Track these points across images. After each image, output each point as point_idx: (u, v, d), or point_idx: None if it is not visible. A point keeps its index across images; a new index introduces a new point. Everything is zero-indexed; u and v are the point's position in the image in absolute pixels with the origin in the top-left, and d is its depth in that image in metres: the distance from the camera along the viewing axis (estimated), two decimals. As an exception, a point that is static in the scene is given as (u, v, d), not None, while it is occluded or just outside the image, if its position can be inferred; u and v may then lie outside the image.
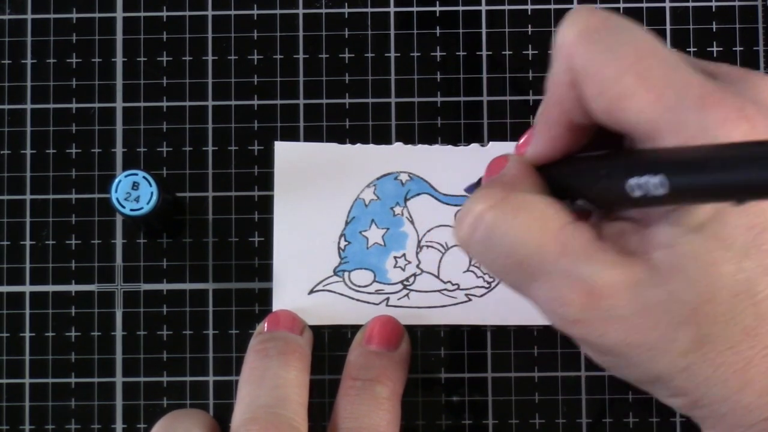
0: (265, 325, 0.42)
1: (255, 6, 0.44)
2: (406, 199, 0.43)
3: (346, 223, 0.43)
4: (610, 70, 0.31)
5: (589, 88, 0.32)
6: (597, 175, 0.32)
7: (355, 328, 0.43)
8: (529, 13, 0.44)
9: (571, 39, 0.32)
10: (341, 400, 0.40)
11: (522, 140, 0.37)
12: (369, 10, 0.44)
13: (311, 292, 0.43)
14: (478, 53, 0.44)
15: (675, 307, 0.30)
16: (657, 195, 0.29)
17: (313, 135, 0.43)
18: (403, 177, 0.43)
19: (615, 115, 0.31)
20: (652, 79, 0.31)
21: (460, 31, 0.44)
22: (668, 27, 0.44)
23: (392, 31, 0.44)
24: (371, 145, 0.43)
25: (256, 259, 0.43)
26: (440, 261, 0.43)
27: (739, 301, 0.30)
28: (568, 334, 0.33)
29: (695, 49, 0.44)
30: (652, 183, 0.29)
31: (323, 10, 0.44)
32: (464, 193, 0.43)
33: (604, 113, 0.32)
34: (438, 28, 0.44)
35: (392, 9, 0.44)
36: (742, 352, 0.30)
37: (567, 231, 0.32)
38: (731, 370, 0.30)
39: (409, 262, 0.43)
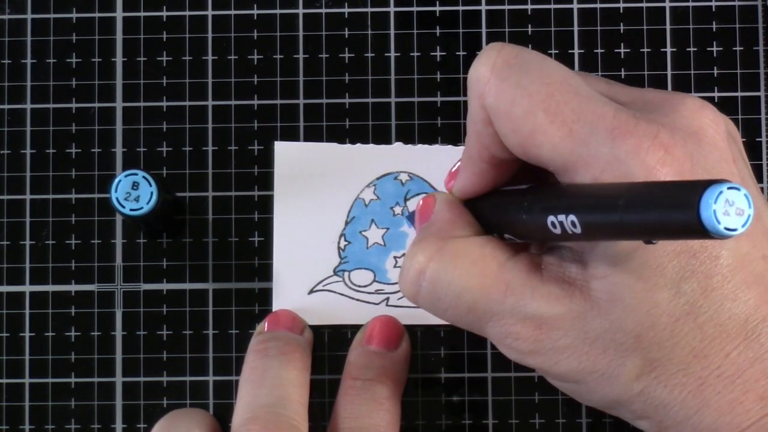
0: (266, 324, 0.42)
1: (255, 6, 0.44)
2: (406, 199, 0.43)
3: (346, 223, 0.43)
4: (521, 107, 0.31)
5: (502, 125, 0.32)
6: (519, 210, 0.33)
7: (355, 328, 0.42)
8: (529, 13, 0.44)
9: (483, 76, 0.32)
10: (341, 400, 0.40)
11: (448, 176, 0.38)
12: (369, 10, 0.44)
13: (311, 292, 0.43)
14: (477, 53, 0.44)
15: (618, 335, 0.31)
16: (575, 233, 0.29)
17: (313, 135, 0.43)
18: (403, 177, 0.43)
19: (529, 151, 0.32)
20: (563, 114, 0.31)
21: (460, 31, 0.44)
22: (668, 27, 0.44)
23: (392, 31, 0.44)
24: (371, 145, 0.43)
25: (256, 259, 0.43)
26: (440, 261, 0.43)
27: (681, 324, 0.30)
28: (526, 365, 0.33)
29: (695, 49, 0.44)
30: (568, 222, 0.29)
31: (323, 10, 0.44)
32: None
33: (519, 149, 0.32)
34: (438, 28, 0.44)
35: (392, 9, 0.44)
36: (694, 374, 0.31)
37: (507, 269, 0.33)
38: (686, 391, 0.31)
39: (409, 262, 0.43)
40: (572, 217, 0.29)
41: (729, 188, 0.24)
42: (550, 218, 0.30)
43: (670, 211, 0.25)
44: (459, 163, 0.37)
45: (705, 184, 0.25)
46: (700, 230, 0.25)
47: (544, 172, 0.33)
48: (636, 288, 0.30)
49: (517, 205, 0.33)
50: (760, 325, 0.30)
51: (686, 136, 0.31)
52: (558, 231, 0.30)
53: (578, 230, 0.29)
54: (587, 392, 0.33)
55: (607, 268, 0.31)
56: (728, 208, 0.24)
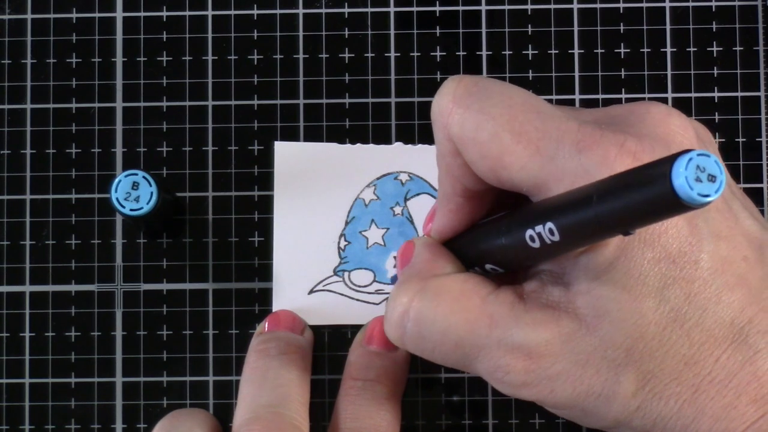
0: (266, 325, 0.42)
1: (255, 6, 0.44)
2: (406, 199, 0.43)
3: (346, 223, 0.43)
4: (486, 131, 0.32)
5: (470, 152, 0.32)
6: (497, 236, 0.33)
7: (355, 328, 0.43)
8: (529, 13, 0.44)
9: (445, 108, 0.33)
10: (342, 400, 0.40)
11: (426, 220, 0.38)
12: (369, 10, 0.44)
13: (311, 292, 0.43)
14: (478, 53, 0.44)
15: (610, 351, 0.31)
16: (554, 241, 0.29)
17: (313, 135, 0.43)
18: (403, 177, 0.43)
19: (499, 175, 0.32)
20: (528, 134, 0.31)
21: (460, 31, 0.44)
22: (668, 27, 0.44)
23: (392, 31, 0.44)
24: (371, 145, 0.43)
25: (256, 259, 0.43)
26: (440, 261, 0.43)
27: (669, 332, 0.30)
28: (521, 398, 0.33)
29: (695, 49, 0.44)
30: (545, 231, 0.29)
31: (323, 10, 0.44)
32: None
33: (489, 174, 0.32)
34: (438, 28, 0.44)
35: (392, 9, 0.44)
36: (687, 381, 0.31)
37: (490, 302, 0.33)
38: (681, 400, 0.31)
39: (409, 262, 0.43)
40: (549, 225, 0.29)
41: (699, 155, 0.25)
42: (528, 232, 0.30)
43: (643, 189, 0.26)
44: (435, 206, 0.37)
45: (675, 155, 0.25)
46: (674, 202, 0.25)
47: (519, 202, 0.33)
48: (621, 299, 0.30)
49: (494, 231, 0.33)
50: (747, 326, 0.30)
51: (654, 143, 0.31)
52: (537, 244, 0.30)
53: (556, 237, 0.29)
54: (586, 416, 0.33)
55: (589, 283, 0.31)
56: (700, 174, 0.24)
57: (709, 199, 0.25)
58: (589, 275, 0.31)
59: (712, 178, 0.25)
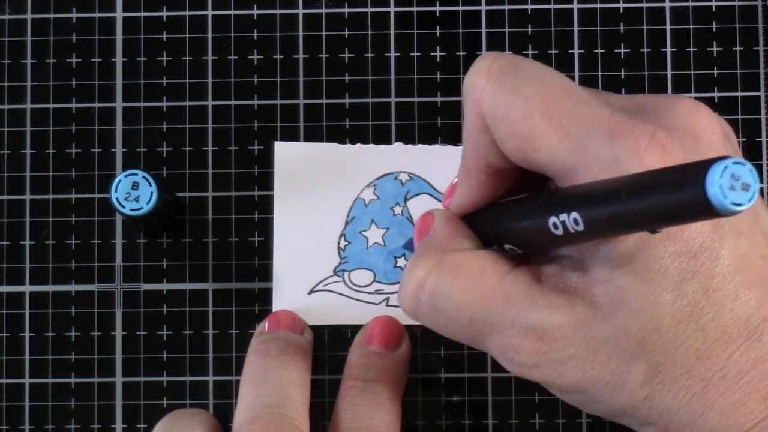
0: (266, 325, 0.42)
1: (255, 6, 0.44)
2: (406, 199, 0.43)
3: (346, 223, 0.43)
4: (518, 111, 0.31)
5: (500, 130, 0.32)
6: (519, 217, 0.32)
7: (355, 328, 0.42)
8: (529, 13, 0.44)
9: (479, 85, 0.32)
10: (342, 401, 0.40)
11: (446, 194, 0.38)
12: (369, 10, 0.44)
13: (311, 292, 0.43)
14: (478, 53, 0.44)
15: (623, 340, 0.31)
16: (578, 231, 0.29)
17: (313, 135, 0.43)
18: (403, 177, 0.43)
19: (527, 155, 0.32)
20: (560, 117, 0.31)
21: (460, 31, 0.44)
22: (668, 27, 0.44)
23: (392, 31, 0.44)
24: (371, 145, 0.43)
25: (256, 259, 0.43)
26: (440, 261, 0.43)
27: (684, 326, 0.30)
28: (530, 379, 0.33)
29: (695, 49, 0.44)
30: (570, 220, 0.29)
31: (323, 10, 0.44)
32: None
33: (517, 154, 0.32)
34: (438, 28, 0.44)
35: (392, 9, 0.44)
36: (698, 376, 0.31)
37: (507, 281, 0.33)
38: (690, 394, 0.31)
39: (409, 262, 0.43)
40: (574, 215, 0.29)
41: (734, 163, 0.24)
42: (552, 219, 0.30)
43: (676, 191, 0.25)
44: (455, 180, 0.36)
45: (710, 161, 0.24)
46: (707, 208, 0.24)
47: (542, 183, 0.33)
48: (639, 291, 0.30)
49: (517, 212, 0.33)
50: (761, 325, 0.30)
51: (683, 136, 0.31)
52: (560, 231, 0.30)
53: (581, 227, 0.29)
54: (592, 402, 0.33)
55: (609, 272, 0.31)
56: (734, 182, 0.24)
57: (741, 208, 0.24)
58: (609, 264, 0.30)
59: (745, 187, 0.24)
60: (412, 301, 0.34)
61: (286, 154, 0.43)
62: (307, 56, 0.44)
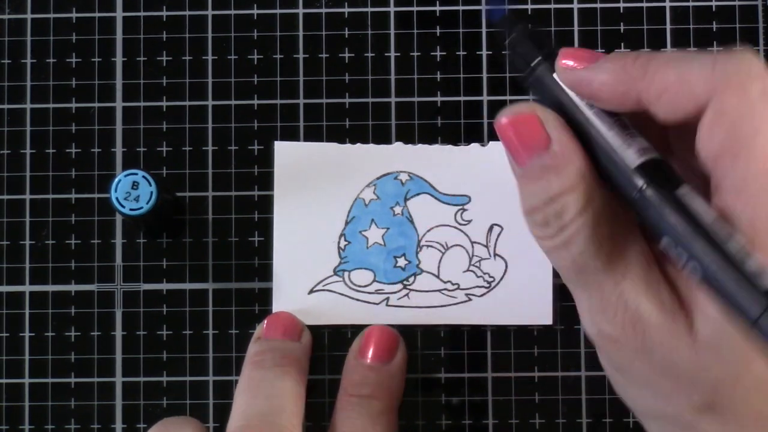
0: (264, 327, 0.41)
1: (255, 6, 0.44)
2: (406, 199, 0.43)
3: (346, 223, 0.43)
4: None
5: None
6: (631, 190, 0.30)
7: (355, 328, 0.42)
8: (529, 13, 0.44)
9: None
10: (338, 416, 0.40)
11: (565, 55, 0.32)
12: (369, 9, 0.44)
13: (311, 291, 0.43)
14: (478, 53, 0.44)
15: (701, 373, 0.31)
16: (689, 274, 0.28)
17: (313, 135, 0.43)
18: (403, 177, 0.43)
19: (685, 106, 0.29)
20: None
21: (460, 30, 0.44)
22: (668, 27, 0.44)
23: (392, 31, 0.44)
24: (371, 145, 0.43)
25: (256, 259, 0.43)
26: (440, 261, 0.43)
27: (758, 392, 0.30)
28: (596, 343, 0.33)
29: (695, 49, 0.44)
30: (688, 265, 0.28)
31: (323, 10, 0.44)
32: (464, 193, 0.43)
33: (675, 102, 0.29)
34: (438, 27, 0.44)
35: (392, 9, 0.44)
36: (746, 428, 0.31)
37: (633, 253, 0.32)
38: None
39: (409, 262, 0.43)
40: (694, 263, 0.28)
41: None
42: (668, 241, 0.29)
43: None
44: (580, 50, 0.32)
45: None
46: None
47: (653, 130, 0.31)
48: (737, 350, 0.30)
49: (630, 181, 0.30)
50: None
51: None
52: (671, 254, 0.29)
53: (697, 276, 0.28)
54: (637, 397, 0.32)
55: (717, 313, 0.30)
56: None
57: None
58: (720, 314, 0.29)
59: None
60: (554, 237, 0.32)
61: (286, 154, 0.43)
62: (307, 56, 0.44)
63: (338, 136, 0.43)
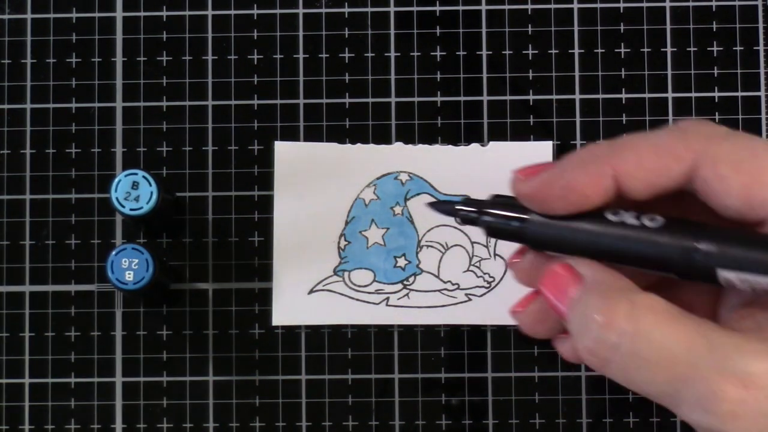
0: None
1: (255, 6, 0.44)
2: (406, 199, 0.43)
3: (346, 223, 0.43)
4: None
5: (724, 167, 0.30)
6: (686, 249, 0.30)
7: (354, 328, 0.42)
8: (529, 13, 0.44)
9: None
10: None
11: (523, 170, 0.32)
12: (369, 10, 0.44)
13: (311, 291, 0.43)
14: (478, 53, 0.44)
15: None
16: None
17: (313, 135, 0.43)
18: (403, 177, 0.43)
19: (753, 193, 0.30)
20: None
21: (460, 31, 0.44)
22: (668, 27, 0.44)
23: (392, 31, 0.44)
24: (371, 145, 0.43)
25: (256, 259, 0.43)
26: (440, 261, 0.43)
27: None
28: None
29: (695, 49, 0.44)
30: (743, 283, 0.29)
31: (323, 10, 0.44)
32: (464, 193, 0.43)
33: (739, 191, 0.30)
34: (438, 28, 0.44)
35: (392, 9, 0.44)
36: None
37: (705, 324, 0.31)
38: None
39: (409, 262, 0.43)
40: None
41: None
42: (724, 274, 0.29)
43: None
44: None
45: None
46: None
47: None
48: None
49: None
50: None
51: None
52: (722, 283, 0.29)
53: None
54: None
55: None
56: None
57: None
58: None
59: None
60: (609, 350, 0.32)
61: (286, 153, 0.43)
62: (307, 56, 0.44)
63: (338, 136, 0.43)
